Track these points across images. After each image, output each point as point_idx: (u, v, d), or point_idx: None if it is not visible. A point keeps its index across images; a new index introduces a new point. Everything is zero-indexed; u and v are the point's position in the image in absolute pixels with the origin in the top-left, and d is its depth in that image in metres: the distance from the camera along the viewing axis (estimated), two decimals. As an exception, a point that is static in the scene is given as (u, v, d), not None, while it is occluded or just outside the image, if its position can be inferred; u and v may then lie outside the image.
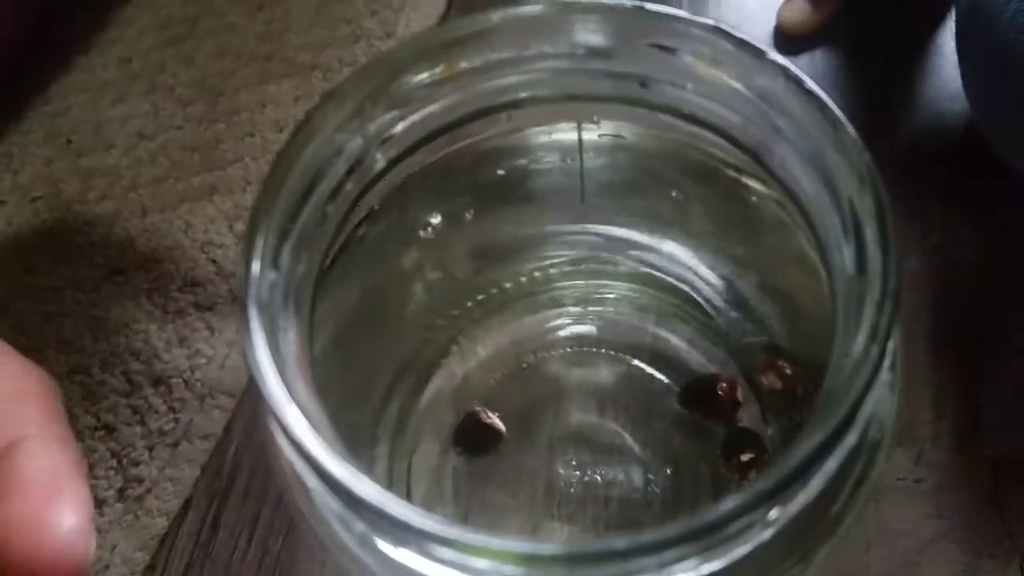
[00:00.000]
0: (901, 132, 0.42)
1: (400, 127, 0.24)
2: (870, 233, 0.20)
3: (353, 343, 0.28)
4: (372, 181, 0.25)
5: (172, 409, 0.37)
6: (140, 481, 0.36)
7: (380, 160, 0.25)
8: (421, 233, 0.29)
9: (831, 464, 0.19)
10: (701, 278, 0.31)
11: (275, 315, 0.21)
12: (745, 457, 0.30)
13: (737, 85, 0.23)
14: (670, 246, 0.31)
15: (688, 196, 0.28)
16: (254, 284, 0.20)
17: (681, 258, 0.31)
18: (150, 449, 0.36)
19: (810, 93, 0.22)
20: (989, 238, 0.38)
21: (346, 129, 0.23)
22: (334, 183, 0.23)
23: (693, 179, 0.27)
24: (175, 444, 0.36)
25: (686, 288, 0.31)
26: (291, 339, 0.21)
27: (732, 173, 0.25)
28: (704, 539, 0.18)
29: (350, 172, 0.24)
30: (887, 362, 0.20)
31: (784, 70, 0.22)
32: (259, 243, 0.21)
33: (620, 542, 0.17)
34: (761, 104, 0.23)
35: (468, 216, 0.29)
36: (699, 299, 0.31)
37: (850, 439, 0.19)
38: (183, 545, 0.34)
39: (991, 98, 0.36)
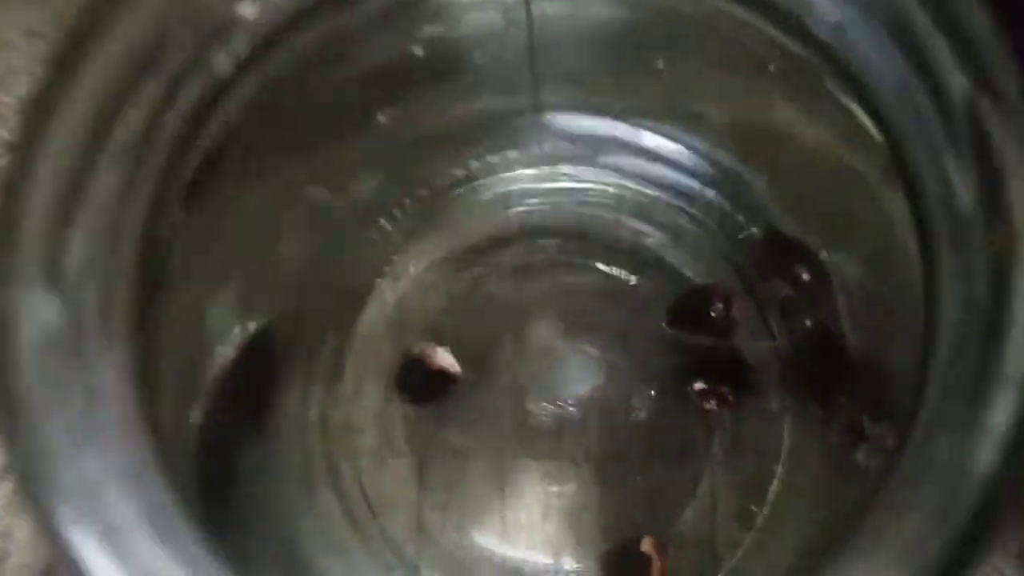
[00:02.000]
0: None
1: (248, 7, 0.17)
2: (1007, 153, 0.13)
3: (252, 289, 0.22)
4: (213, 99, 0.17)
5: None
6: None
7: (224, 62, 0.17)
8: (318, 158, 0.22)
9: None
10: (694, 157, 0.25)
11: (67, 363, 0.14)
12: (712, 387, 0.25)
13: None
14: (651, 139, 0.25)
15: (678, 66, 0.21)
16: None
17: (669, 152, 0.25)
18: None
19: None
20: None
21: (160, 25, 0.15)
22: (146, 114, 0.15)
23: (685, 41, 0.20)
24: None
25: (672, 173, 0.26)
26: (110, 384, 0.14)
27: (748, 27, 0.18)
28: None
29: (174, 88, 0.16)
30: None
31: None
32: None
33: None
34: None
35: (381, 119, 0.22)
36: (688, 183, 0.26)
37: None
38: None
39: None
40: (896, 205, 0.15)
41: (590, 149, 0.25)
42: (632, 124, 0.24)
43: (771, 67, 0.18)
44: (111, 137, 0.14)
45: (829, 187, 0.20)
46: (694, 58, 0.20)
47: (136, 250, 0.14)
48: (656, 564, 0.24)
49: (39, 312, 0.13)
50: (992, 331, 0.13)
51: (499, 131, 0.25)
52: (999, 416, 0.13)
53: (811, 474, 0.24)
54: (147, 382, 0.14)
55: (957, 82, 0.13)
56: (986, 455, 0.13)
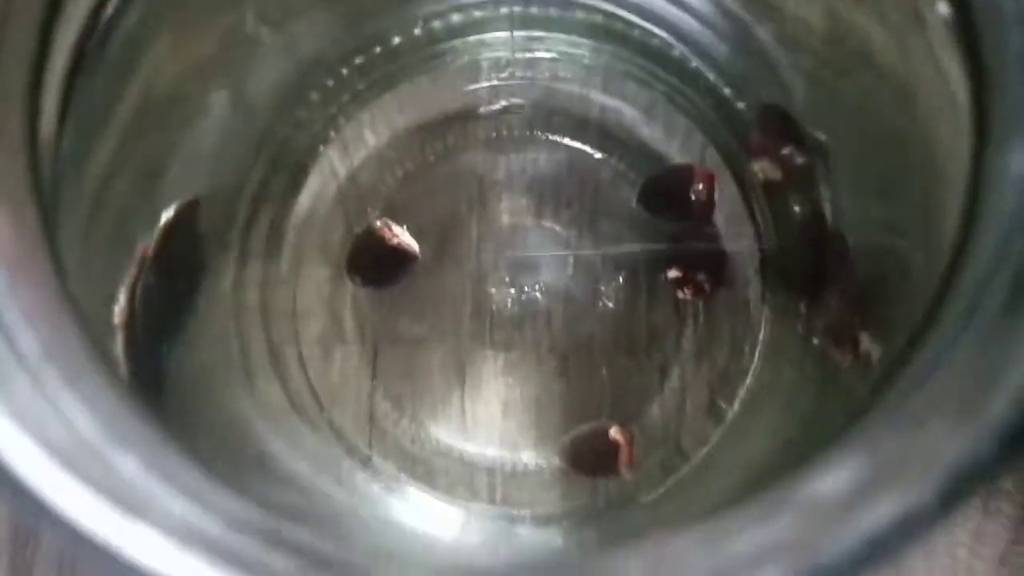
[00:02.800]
0: None
1: None
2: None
3: (170, 145, 0.19)
4: None
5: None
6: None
7: None
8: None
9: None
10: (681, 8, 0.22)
11: None
12: (686, 275, 0.24)
13: None
14: None
15: None
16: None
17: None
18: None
19: None
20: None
21: None
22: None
23: None
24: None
25: (654, 27, 0.23)
26: None
27: None
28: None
29: None
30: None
31: None
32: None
33: None
34: None
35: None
36: (671, 43, 0.23)
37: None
38: None
39: None
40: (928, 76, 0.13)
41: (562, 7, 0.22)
42: None
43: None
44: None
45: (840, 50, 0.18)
46: None
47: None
48: (624, 452, 0.23)
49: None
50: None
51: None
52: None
53: (786, 374, 0.23)
54: (58, 258, 0.11)
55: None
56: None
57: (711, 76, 0.22)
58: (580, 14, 0.23)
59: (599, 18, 0.23)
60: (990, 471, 0.11)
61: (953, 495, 0.11)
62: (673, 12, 0.21)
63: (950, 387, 0.12)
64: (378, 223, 0.24)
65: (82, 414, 0.10)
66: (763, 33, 0.19)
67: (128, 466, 0.10)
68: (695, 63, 0.23)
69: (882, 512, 0.11)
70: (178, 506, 0.10)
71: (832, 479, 0.12)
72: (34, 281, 0.11)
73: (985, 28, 0.11)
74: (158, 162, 0.20)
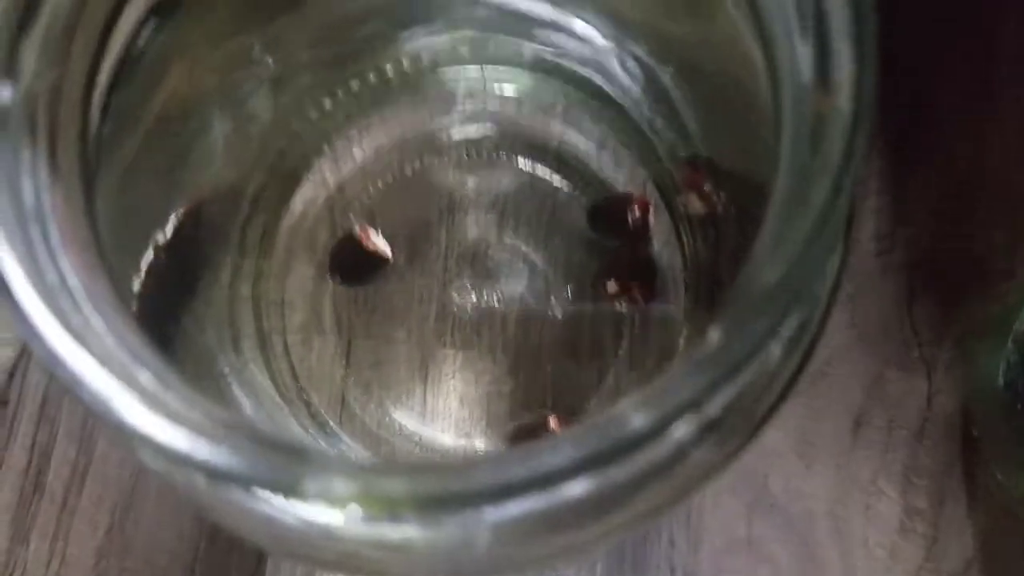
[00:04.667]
0: None
1: None
2: (838, 27, 0.15)
3: (184, 149, 0.23)
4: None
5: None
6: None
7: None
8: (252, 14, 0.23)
9: (777, 344, 0.16)
10: (618, 64, 0.26)
11: (15, 145, 0.15)
12: (623, 288, 0.27)
13: None
14: (580, 25, 0.26)
15: None
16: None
17: (594, 40, 0.26)
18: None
19: None
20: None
21: None
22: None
23: None
24: None
25: (599, 80, 0.27)
26: (42, 177, 0.15)
27: None
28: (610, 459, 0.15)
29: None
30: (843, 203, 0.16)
31: None
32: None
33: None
34: None
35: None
36: (612, 92, 0.27)
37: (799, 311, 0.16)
38: (37, 375, 0.30)
39: None
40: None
41: (523, 36, 0.26)
42: (563, 12, 0.25)
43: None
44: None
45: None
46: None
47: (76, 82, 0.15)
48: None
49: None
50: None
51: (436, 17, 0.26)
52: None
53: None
54: (95, 227, 0.15)
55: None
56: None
57: (651, 113, 0.26)
58: (537, 53, 0.26)
59: (550, 58, 0.26)
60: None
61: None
62: (598, 58, 0.25)
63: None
64: (357, 228, 0.27)
65: (108, 337, 0.14)
66: (662, 75, 0.23)
67: (143, 377, 0.13)
68: (635, 99, 0.26)
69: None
70: (184, 408, 0.13)
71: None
72: (77, 240, 0.14)
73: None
74: (172, 163, 0.23)
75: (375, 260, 0.27)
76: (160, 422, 0.13)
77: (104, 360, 0.13)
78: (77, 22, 0.15)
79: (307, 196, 0.28)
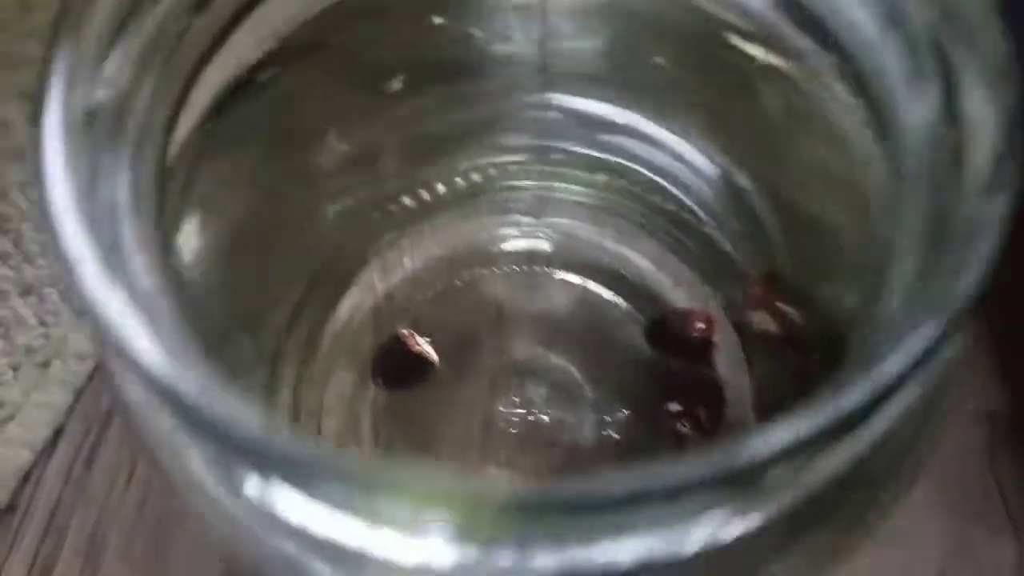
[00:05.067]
0: None
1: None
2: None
3: (248, 239, 0.22)
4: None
5: (43, 323, 0.32)
6: (1, 406, 0.30)
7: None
8: (339, 100, 0.23)
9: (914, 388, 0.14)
10: (690, 171, 0.26)
11: (97, 148, 0.14)
12: (686, 410, 0.25)
13: None
14: (650, 127, 0.26)
15: (676, 64, 0.22)
16: (58, 93, 0.14)
17: (665, 142, 0.25)
18: (14, 369, 0.31)
19: None
20: None
21: None
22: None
23: (683, 44, 0.22)
24: (45, 364, 0.31)
25: (668, 186, 0.26)
26: (122, 187, 0.15)
27: (734, 37, 0.20)
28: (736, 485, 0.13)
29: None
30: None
31: None
32: (77, 34, 0.14)
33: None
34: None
35: (395, 86, 0.23)
36: (682, 202, 0.26)
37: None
38: (51, 482, 0.29)
39: None
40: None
41: (585, 141, 0.26)
42: (632, 113, 0.25)
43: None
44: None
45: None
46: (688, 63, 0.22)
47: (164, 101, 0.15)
48: None
49: (81, 92, 0.14)
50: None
51: (501, 135, 0.26)
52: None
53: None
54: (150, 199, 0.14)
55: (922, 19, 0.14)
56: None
57: (726, 224, 0.25)
58: (593, 170, 0.26)
59: (606, 174, 0.26)
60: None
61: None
62: (670, 165, 0.25)
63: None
64: (404, 331, 0.26)
65: (159, 301, 0.14)
66: (742, 180, 0.22)
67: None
68: (694, 220, 0.26)
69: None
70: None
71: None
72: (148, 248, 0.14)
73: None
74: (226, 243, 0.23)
75: (420, 364, 0.26)
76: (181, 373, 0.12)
77: (148, 313, 0.13)
78: (179, 45, 0.15)
79: (354, 302, 0.27)
